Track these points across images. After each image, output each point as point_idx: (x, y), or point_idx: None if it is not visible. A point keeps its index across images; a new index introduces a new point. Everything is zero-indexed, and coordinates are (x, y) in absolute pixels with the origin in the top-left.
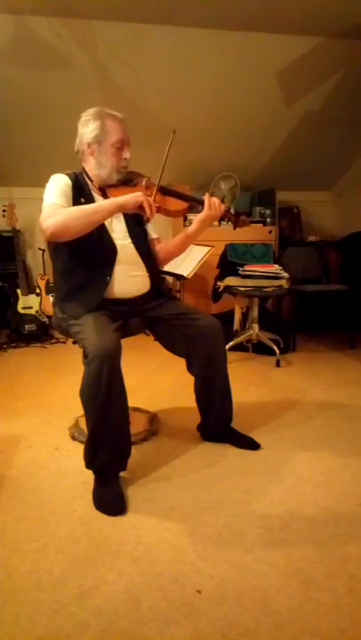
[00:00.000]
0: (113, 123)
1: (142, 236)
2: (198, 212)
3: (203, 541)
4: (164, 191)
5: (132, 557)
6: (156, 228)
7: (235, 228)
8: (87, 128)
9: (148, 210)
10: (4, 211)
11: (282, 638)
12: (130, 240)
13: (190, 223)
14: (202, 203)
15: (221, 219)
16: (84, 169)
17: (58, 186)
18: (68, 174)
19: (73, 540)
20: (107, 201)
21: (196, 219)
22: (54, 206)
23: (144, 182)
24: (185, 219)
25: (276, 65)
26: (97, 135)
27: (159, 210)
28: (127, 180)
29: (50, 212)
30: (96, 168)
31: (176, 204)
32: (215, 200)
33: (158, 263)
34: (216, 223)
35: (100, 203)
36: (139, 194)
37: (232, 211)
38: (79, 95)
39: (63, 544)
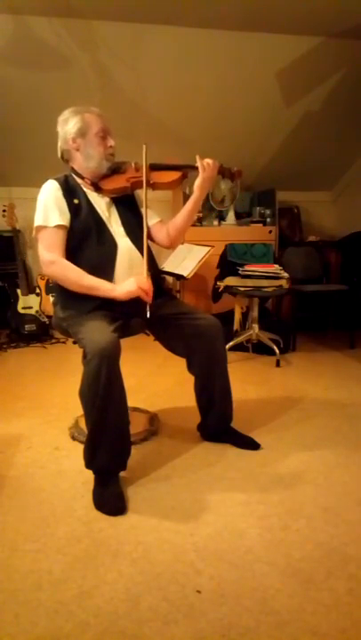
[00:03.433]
0: (91, 115)
1: (141, 237)
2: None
3: (203, 541)
4: (155, 167)
5: (132, 557)
6: (155, 210)
7: (233, 181)
8: (68, 125)
9: (145, 298)
10: (4, 211)
11: (282, 638)
12: (130, 241)
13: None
14: (195, 168)
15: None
16: (72, 169)
17: (51, 199)
18: (57, 179)
19: (73, 540)
20: (105, 287)
21: (195, 185)
22: (54, 236)
23: (133, 165)
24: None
25: (276, 65)
26: (80, 128)
27: (155, 186)
28: (116, 169)
29: (51, 254)
30: (85, 161)
31: (169, 176)
32: (207, 160)
33: (167, 244)
34: (216, 222)
35: (99, 284)
36: (134, 289)
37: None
38: (79, 95)
39: (63, 544)
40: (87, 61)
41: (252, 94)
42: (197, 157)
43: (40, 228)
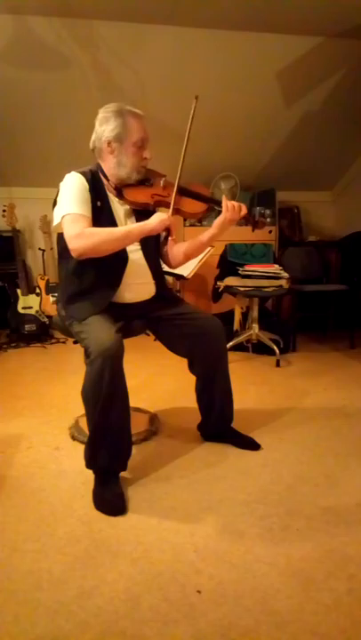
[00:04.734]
0: (134, 121)
1: (153, 245)
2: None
3: (203, 541)
4: (183, 192)
5: (132, 557)
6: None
7: (253, 230)
8: (108, 126)
9: (173, 230)
10: (4, 211)
11: (282, 638)
12: (140, 248)
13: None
14: (220, 204)
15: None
16: (99, 166)
17: (77, 191)
18: (84, 173)
19: (73, 540)
20: (136, 226)
21: (214, 222)
22: (79, 220)
23: (162, 183)
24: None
25: (276, 65)
26: (119, 133)
27: (178, 212)
28: (144, 180)
29: (76, 229)
30: (115, 167)
31: (194, 206)
32: (234, 203)
33: (172, 265)
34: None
35: (130, 228)
36: (165, 217)
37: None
38: (79, 95)
39: (63, 544)
40: (87, 61)
41: (252, 94)
42: (223, 197)
43: (65, 215)
